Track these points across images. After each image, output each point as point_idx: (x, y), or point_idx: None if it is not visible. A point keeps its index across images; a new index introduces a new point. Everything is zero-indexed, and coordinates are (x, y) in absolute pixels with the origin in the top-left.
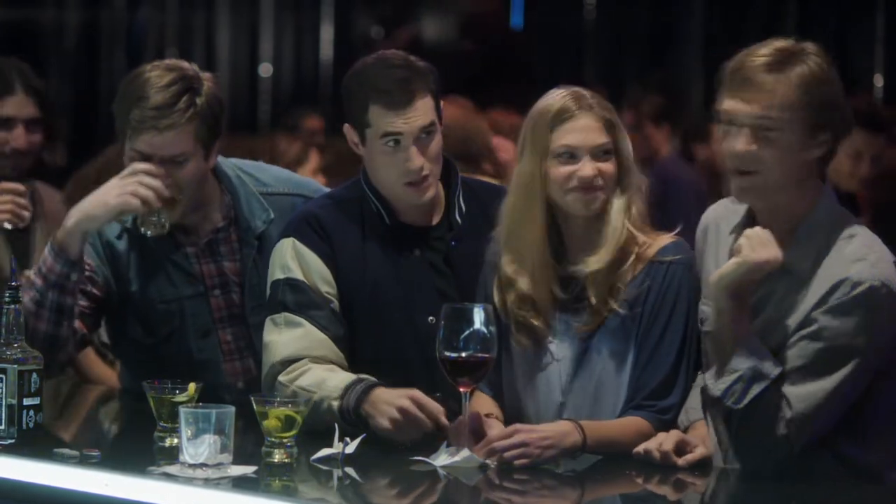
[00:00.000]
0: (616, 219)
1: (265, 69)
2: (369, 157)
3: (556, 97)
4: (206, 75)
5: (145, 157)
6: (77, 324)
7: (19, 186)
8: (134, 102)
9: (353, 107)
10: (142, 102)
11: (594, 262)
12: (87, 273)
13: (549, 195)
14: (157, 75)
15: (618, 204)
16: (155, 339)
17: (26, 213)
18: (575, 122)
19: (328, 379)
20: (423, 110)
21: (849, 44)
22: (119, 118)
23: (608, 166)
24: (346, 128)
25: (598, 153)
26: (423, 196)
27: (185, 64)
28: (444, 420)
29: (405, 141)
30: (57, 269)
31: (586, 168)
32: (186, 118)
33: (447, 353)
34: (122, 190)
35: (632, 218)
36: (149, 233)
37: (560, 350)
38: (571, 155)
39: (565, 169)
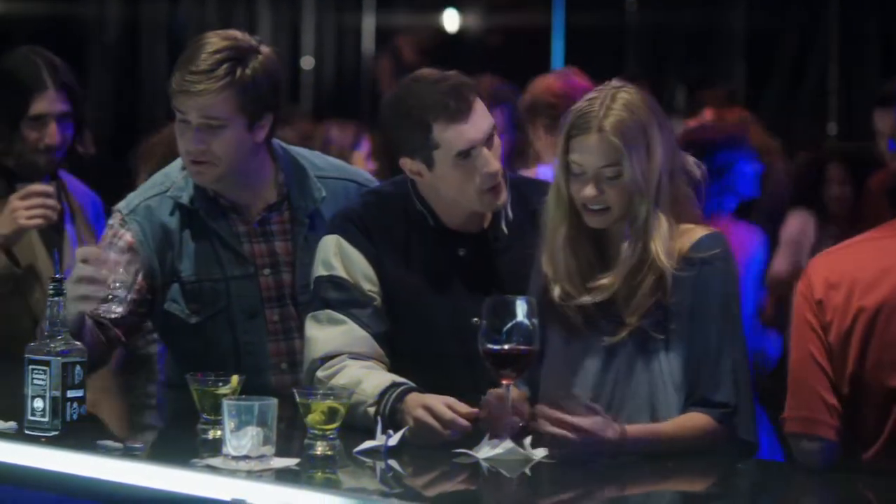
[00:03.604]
0: (626, 246)
1: (307, 62)
2: (439, 180)
3: (583, 104)
4: (265, 49)
5: (182, 119)
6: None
7: (47, 188)
8: (182, 65)
9: (409, 135)
10: (188, 65)
11: (600, 293)
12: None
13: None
14: (213, 42)
15: (635, 226)
16: (200, 318)
17: (54, 214)
18: (585, 139)
19: (364, 381)
20: (481, 113)
21: (890, 43)
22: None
23: (612, 188)
24: (404, 161)
25: (602, 175)
26: (500, 199)
27: (245, 36)
28: (467, 417)
29: (477, 150)
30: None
31: (588, 189)
32: (220, 85)
33: (489, 346)
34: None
35: (651, 232)
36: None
37: (587, 354)
38: (580, 172)
39: (575, 185)
